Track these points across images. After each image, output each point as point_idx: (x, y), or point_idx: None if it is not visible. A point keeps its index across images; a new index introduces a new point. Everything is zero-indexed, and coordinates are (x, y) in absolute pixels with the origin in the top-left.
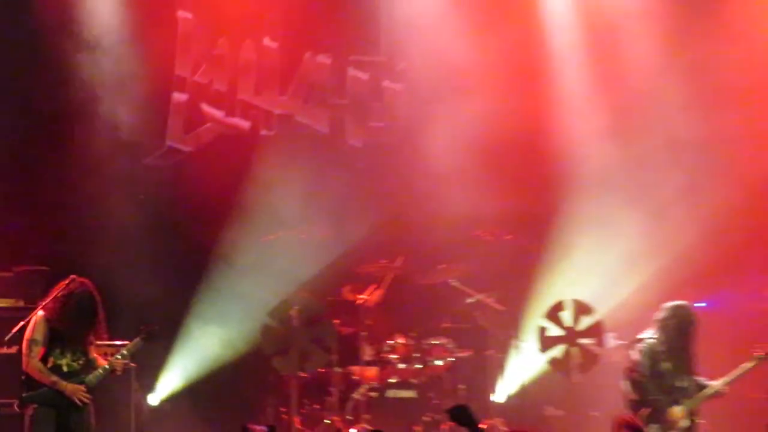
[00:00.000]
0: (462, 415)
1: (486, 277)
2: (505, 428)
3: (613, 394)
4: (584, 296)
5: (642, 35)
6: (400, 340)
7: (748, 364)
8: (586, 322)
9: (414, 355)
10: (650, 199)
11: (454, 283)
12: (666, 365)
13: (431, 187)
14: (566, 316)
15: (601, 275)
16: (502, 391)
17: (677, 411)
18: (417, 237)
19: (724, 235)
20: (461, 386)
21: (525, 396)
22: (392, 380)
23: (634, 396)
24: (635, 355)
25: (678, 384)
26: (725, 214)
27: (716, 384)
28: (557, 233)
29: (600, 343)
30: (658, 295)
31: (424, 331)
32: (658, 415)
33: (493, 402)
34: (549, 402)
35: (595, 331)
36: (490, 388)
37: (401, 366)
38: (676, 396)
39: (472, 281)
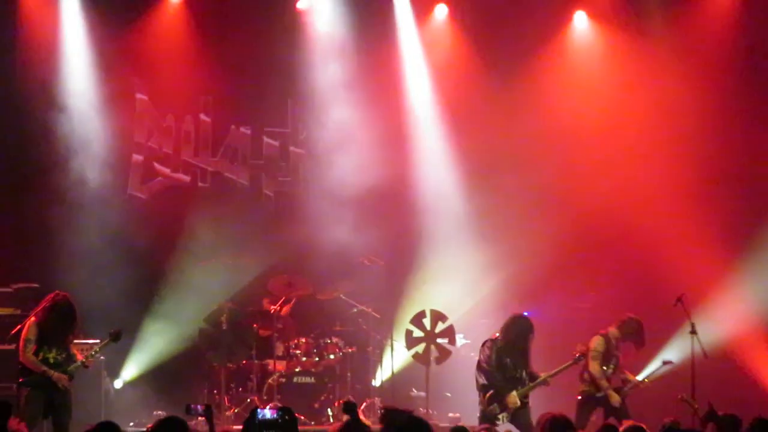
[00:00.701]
0: (350, 407)
1: (367, 292)
2: (381, 405)
3: (462, 379)
4: (440, 307)
5: (479, 110)
6: (303, 340)
7: (568, 363)
8: (441, 326)
9: (314, 350)
10: (487, 231)
11: (343, 297)
12: (507, 360)
13: (326, 224)
14: (427, 322)
15: (453, 291)
16: (379, 378)
17: (513, 395)
18: (315, 263)
19: (545, 258)
20: (349, 374)
21: (396, 381)
22: (297, 370)
23: (483, 381)
24: (486, 350)
25: (516, 375)
26: (545, 243)
27: (544, 376)
28: (420, 259)
29: (452, 342)
30: (495, 306)
31: (321, 333)
32: (499, 397)
33: (372, 386)
34: (413, 385)
35: (448, 333)
36: (371, 375)
37: (304, 359)
38: (514, 384)
39: (357, 296)
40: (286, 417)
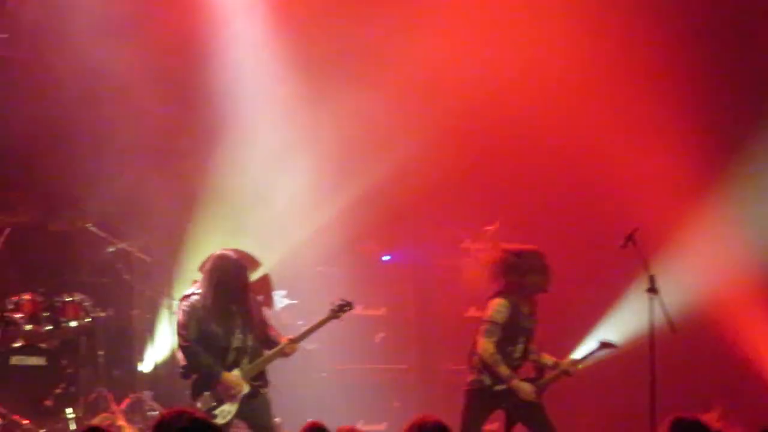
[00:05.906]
0: None
1: (130, 221)
2: (154, 402)
3: (286, 363)
4: (250, 246)
5: None
6: (28, 297)
7: (323, 318)
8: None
9: (43, 314)
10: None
11: (93, 228)
12: (213, 325)
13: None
14: None
15: (271, 222)
16: (150, 360)
17: (232, 376)
18: (45, 173)
19: (418, 177)
20: (101, 353)
21: (177, 365)
22: (17, 344)
23: (184, 362)
24: (180, 314)
25: (233, 345)
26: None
27: (284, 344)
28: (220, 177)
29: (268, 303)
30: (335, 246)
31: (55, 286)
32: (210, 381)
33: (139, 372)
34: None
35: (263, 287)
36: (137, 355)
37: (28, 327)
38: (235, 358)
39: (114, 226)
40: None
